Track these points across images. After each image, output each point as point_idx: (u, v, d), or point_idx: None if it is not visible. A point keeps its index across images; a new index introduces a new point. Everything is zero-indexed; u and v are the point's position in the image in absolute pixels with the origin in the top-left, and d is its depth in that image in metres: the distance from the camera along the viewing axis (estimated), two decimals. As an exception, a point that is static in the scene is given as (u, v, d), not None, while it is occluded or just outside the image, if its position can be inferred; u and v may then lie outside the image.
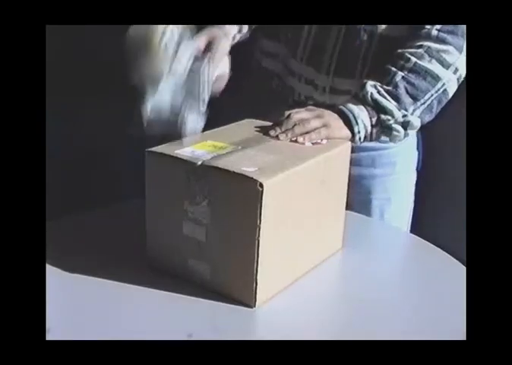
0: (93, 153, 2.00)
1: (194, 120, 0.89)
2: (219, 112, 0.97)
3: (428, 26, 1.04)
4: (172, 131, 0.88)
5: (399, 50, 1.05)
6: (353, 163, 1.20)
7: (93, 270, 0.89)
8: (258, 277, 0.81)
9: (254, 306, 0.83)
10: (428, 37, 1.03)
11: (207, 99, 0.93)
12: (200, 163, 0.83)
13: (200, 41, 0.99)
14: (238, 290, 0.84)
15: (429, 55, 1.02)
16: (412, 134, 1.23)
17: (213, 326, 0.80)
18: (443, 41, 1.03)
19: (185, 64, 0.89)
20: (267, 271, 0.82)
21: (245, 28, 1.18)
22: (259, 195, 0.78)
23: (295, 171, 0.85)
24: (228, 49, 1.06)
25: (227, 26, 1.08)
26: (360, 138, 1.02)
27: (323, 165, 0.92)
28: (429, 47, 1.03)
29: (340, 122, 1.01)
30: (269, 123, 1.01)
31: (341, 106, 1.03)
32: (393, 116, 1.02)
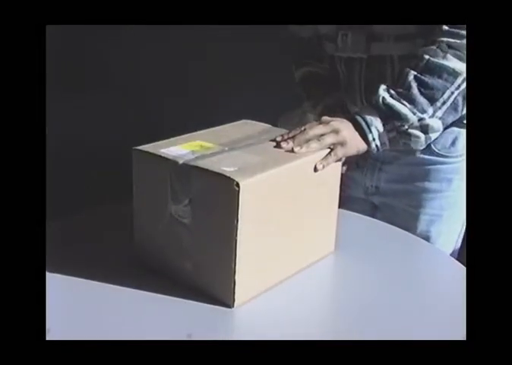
0: (92, 153, 2.01)
1: None
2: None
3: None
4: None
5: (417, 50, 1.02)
6: (408, 175, 1.17)
7: (92, 270, 0.89)
8: (237, 277, 0.81)
9: (233, 306, 0.83)
10: (441, 32, 1.00)
11: None
12: (181, 162, 0.83)
13: None
14: (218, 289, 0.84)
15: (443, 51, 0.98)
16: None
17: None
18: (457, 34, 0.98)
19: None
20: (247, 271, 0.82)
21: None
22: (236, 195, 0.78)
23: (277, 172, 0.84)
24: None
25: None
26: (377, 146, 0.99)
27: (311, 167, 0.90)
28: (442, 42, 0.99)
29: (355, 134, 0.97)
30: (264, 124, 1.00)
31: (355, 114, 1.00)
32: (407, 121, 0.98)
